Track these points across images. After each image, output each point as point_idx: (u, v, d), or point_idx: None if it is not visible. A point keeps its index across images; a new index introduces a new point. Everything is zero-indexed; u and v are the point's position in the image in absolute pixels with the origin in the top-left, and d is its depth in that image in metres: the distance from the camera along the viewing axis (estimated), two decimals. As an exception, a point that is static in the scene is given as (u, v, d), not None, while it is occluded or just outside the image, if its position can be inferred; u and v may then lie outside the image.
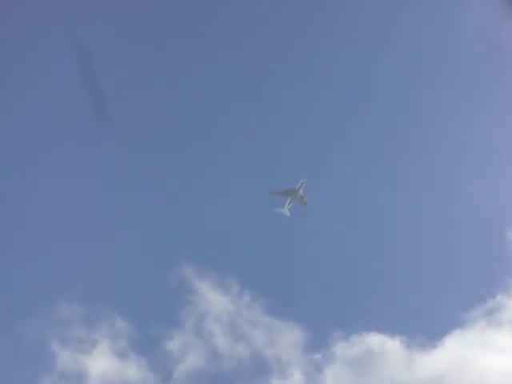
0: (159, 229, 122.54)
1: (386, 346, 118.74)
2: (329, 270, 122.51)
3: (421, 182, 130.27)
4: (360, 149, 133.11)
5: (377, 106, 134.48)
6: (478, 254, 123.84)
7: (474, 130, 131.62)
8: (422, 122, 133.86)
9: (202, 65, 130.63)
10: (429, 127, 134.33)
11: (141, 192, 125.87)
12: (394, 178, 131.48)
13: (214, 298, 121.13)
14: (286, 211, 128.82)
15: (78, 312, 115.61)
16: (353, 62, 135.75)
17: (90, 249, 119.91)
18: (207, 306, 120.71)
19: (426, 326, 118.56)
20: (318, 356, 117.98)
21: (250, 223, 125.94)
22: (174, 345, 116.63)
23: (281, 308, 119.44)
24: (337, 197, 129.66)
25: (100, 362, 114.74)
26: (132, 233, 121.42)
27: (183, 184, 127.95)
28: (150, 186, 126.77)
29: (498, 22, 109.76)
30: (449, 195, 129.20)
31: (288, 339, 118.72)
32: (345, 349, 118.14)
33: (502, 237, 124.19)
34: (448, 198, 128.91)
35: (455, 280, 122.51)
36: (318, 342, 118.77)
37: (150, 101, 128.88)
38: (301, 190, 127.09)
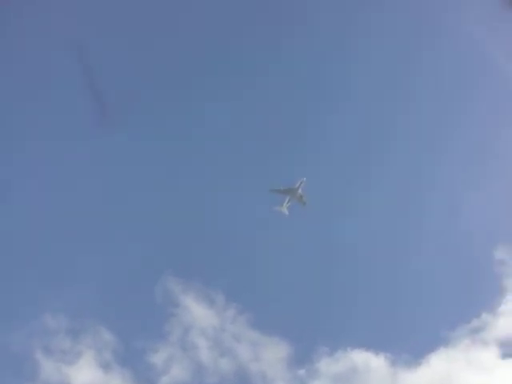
0: (145, 241, 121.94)
1: (371, 362, 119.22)
2: (314, 286, 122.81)
3: (407, 197, 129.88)
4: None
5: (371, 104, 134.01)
6: (464, 272, 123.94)
7: (462, 142, 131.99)
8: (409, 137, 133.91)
9: (202, 64, 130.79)
10: (417, 139, 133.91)
11: (131, 200, 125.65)
12: (380, 194, 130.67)
13: (198, 312, 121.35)
14: (284, 210, 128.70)
15: (63, 323, 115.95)
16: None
17: (75, 259, 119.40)
18: (192, 320, 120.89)
19: (410, 344, 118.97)
20: (302, 372, 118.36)
21: (236, 237, 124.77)
22: (158, 357, 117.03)
23: (266, 323, 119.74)
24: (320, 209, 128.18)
25: (84, 373, 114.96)
26: (118, 244, 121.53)
27: (180, 187, 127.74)
28: (143, 192, 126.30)
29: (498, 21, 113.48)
30: (435, 213, 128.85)
31: (272, 354, 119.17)
32: (329, 365, 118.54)
33: (489, 256, 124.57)
34: (434, 217, 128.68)
35: (441, 298, 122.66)
36: (302, 358, 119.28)
37: (150, 101, 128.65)
38: (300, 190, 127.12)
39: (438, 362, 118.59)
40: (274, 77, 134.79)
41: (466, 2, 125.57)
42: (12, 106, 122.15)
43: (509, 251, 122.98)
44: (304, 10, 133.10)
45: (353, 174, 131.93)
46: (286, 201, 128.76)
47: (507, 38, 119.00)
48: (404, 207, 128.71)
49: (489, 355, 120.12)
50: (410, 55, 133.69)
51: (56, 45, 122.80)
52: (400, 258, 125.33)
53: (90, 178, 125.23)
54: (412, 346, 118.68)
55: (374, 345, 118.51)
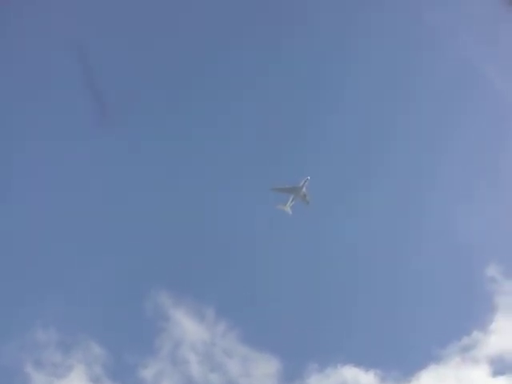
0: (136, 254, 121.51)
1: (361, 379, 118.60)
2: (305, 301, 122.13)
3: (398, 212, 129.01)
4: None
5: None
6: (456, 290, 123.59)
7: (456, 158, 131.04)
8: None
9: (202, 64, 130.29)
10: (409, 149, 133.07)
11: (129, 202, 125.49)
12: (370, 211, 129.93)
13: (189, 326, 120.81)
14: (288, 209, 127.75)
15: (54, 336, 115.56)
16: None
17: (66, 271, 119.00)
18: (182, 334, 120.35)
19: (401, 361, 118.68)
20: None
21: (229, 248, 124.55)
22: (148, 372, 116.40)
23: (256, 338, 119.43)
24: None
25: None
26: (109, 256, 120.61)
27: (179, 187, 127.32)
28: (142, 193, 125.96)
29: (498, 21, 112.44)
30: (426, 230, 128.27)
31: (263, 370, 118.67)
32: (319, 381, 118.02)
33: (481, 274, 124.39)
34: (426, 233, 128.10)
35: (432, 315, 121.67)
36: (292, 374, 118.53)
37: (151, 101, 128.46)
38: (304, 188, 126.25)
39: (429, 380, 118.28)
40: (275, 76, 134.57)
41: (466, 2, 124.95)
42: (12, 106, 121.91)
43: (500, 269, 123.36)
44: (304, 9, 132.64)
45: (350, 178, 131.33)
46: (290, 200, 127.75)
47: (507, 38, 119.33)
48: (392, 224, 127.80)
49: (479, 373, 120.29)
50: (410, 56, 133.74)
51: (56, 45, 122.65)
52: (391, 275, 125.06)
53: (89, 178, 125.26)
54: (402, 363, 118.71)
55: (364, 361, 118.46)
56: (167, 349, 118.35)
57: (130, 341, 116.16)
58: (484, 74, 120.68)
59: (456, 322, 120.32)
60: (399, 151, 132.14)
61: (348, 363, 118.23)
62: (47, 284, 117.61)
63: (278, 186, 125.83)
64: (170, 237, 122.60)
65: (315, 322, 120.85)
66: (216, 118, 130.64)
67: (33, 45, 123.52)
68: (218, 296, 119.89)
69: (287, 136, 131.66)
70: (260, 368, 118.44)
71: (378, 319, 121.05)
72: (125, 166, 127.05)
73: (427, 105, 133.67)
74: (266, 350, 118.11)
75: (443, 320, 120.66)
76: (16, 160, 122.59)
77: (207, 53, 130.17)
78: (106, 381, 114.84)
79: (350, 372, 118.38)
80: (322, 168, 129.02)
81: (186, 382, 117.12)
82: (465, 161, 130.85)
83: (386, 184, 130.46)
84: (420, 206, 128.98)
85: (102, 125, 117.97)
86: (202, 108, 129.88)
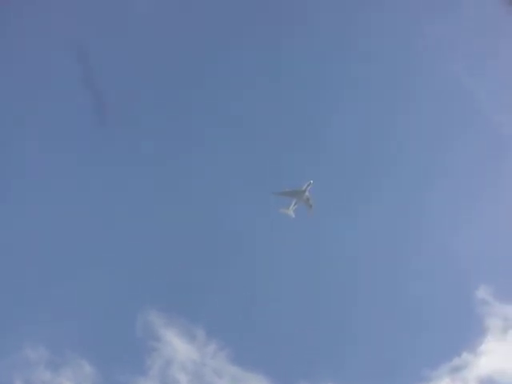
0: (127, 273, 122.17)
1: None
2: (295, 321, 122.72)
3: (387, 237, 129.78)
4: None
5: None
6: (446, 312, 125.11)
7: (448, 181, 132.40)
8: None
9: (202, 64, 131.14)
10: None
11: (127, 205, 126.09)
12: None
13: (179, 346, 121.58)
14: (290, 212, 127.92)
15: (44, 355, 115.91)
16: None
17: (56, 290, 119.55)
18: (173, 354, 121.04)
19: (392, 381, 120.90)
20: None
21: (215, 273, 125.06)
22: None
23: (246, 358, 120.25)
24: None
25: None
26: (100, 275, 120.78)
27: (178, 189, 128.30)
28: (141, 194, 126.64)
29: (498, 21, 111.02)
30: (418, 252, 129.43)
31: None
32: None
33: (471, 296, 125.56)
34: (417, 255, 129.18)
35: (422, 337, 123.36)
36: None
37: (150, 101, 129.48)
38: (307, 192, 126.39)
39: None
40: (278, 78, 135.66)
41: (466, 2, 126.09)
42: (12, 106, 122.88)
43: (491, 291, 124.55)
44: (306, 11, 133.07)
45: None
46: (293, 203, 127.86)
47: (507, 39, 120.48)
48: (384, 247, 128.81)
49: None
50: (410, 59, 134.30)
51: (56, 45, 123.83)
52: (383, 297, 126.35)
53: (88, 179, 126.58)
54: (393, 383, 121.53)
55: (354, 381, 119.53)
56: (157, 368, 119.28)
57: (121, 360, 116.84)
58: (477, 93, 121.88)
59: (446, 344, 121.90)
60: (395, 169, 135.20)
61: (338, 382, 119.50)
62: (37, 302, 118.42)
63: (280, 189, 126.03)
64: (163, 256, 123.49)
65: (306, 341, 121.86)
66: (216, 117, 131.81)
67: (33, 45, 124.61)
68: (208, 316, 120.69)
69: (291, 138, 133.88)
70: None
71: (370, 340, 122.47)
72: (123, 166, 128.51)
73: (425, 121, 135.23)
74: (256, 369, 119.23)
75: (434, 341, 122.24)
76: (15, 159, 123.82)
77: (207, 53, 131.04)
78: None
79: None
80: (325, 173, 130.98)
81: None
82: (457, 186, 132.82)
83: (383, 207, 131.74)
84: (413, 229, 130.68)
85: (102, 124, 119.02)
86: (202, 108, 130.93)
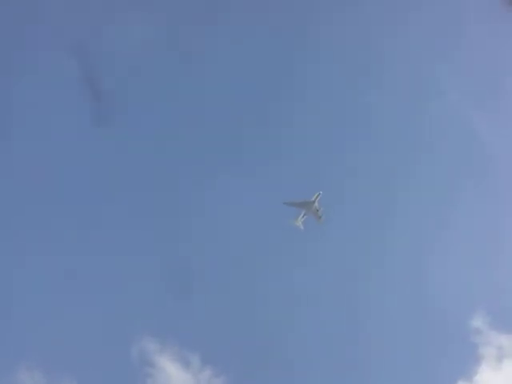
0: (122, 298, 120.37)
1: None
2: (294, 346, 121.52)
3: (385, 264, 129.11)
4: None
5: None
6: (441, 341, 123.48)
7: (440, 209, 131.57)
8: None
9: (203, 63, 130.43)
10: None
11: (126, 208, 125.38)
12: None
13: (174, 373, 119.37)
14: (299, 224, 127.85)
15: (38, 379, 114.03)
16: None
17: (52, 313, 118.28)
18: (167, 381, 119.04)
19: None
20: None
21: (211, 300, 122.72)
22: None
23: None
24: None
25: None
26: (95, 303, 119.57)
27: (178, 192, 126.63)
28: (139, 196, 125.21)
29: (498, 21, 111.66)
30: (411, 282, 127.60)
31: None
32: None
33: (465, 325, 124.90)
34: (410, 285, 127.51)
35: (417, 366, 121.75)
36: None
37: (150, 100, 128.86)
38: (316, 203, 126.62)
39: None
40: (283, 80, 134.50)
41: (466, 2, 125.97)
42: (11, 106, 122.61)
43: (486, 320, 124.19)
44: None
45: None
46: (302, 215, 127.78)
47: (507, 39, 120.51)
48: (380, 274, 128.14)
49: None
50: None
51: (56, 45, 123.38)
52: (378, 327, 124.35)
53: (87, 178, 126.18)
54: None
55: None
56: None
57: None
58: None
59: (442, 372, 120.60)
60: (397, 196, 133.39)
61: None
62: (33, 327, 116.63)
63: (290, 200, 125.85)
64: (157, 281, 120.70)
65: (302, 368, 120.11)
66: (216, 117, 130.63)
67: (33, 45, 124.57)
68: (203, 342, 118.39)
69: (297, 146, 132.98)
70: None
71: (366, 368, 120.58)
72: (123, 167, 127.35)
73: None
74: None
75: (429, 370, 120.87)
76: (14, 159, 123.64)
77: (208, 52, 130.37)
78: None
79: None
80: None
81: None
82: (452, 214, 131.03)
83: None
84: (407, 258, 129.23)
85: (101, 124, 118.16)
86: (202, 108, 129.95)
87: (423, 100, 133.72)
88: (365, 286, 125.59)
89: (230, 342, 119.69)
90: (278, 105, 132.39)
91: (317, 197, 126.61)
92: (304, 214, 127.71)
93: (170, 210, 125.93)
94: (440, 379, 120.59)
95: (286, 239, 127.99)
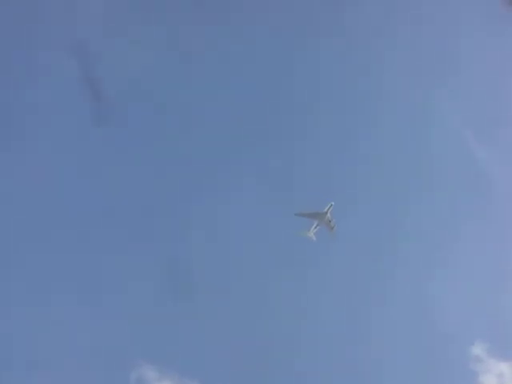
0: (120, 324, 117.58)
1: None
2: (297, 372, 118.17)
3: (385, 291, 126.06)
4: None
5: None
6: (441, 369, 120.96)
7: (438, 237, 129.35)
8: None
9: (203, 63, 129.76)
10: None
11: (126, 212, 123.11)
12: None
13: None
14: (311, 235, 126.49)
15: None
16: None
17: (49, 341, 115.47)
18: None
19: None
20: None
21: (209, 325, 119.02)
22: None
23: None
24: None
25: None
26: (93, 328, 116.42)
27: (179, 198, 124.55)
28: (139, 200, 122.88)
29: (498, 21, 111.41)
30: (410, 309, 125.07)
31: None
32: None
33: (465, 352, 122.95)
34: (410, 313, 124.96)
35: None
36: None
37: (150, 100, 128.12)
38: (328, 214, 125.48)
39: None
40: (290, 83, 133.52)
41: (466, 2, 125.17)
42: (11, 105, 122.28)
43: (485, 347, 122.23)
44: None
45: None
46: (314, 226, 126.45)
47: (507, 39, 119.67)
48: (383, 297, 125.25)
49: None
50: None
51: (56, 45, 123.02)
52: (378, 351, 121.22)
53: (87, 179, 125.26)
54: None
55: None
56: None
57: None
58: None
59: None
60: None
61: None
62: (31, 354, 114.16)
63: (301, 211, 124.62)
64: (157, 306, 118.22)
65: None
66: (217, 116, 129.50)
67: (33, 44, 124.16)
68: (203, 369, 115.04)
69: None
70: None
71: None
72: (123, 167, 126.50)
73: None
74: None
75: None
76: (14, 159, 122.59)
77: (208, 53, 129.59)
78: None
79: None
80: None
81: None
82: (453, 240, 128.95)
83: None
84: (403, 286, 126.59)
85: (101, 124, 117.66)
86: (203, 108, 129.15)
87: (423, 126, 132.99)
88: (367, 307, 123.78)
89: (231, 368, 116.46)
90: (286, 110, 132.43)
91: (329, 208, 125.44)
92: (316, 225, 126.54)
93: (171, 213, 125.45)
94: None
95: (297, 250, 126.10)
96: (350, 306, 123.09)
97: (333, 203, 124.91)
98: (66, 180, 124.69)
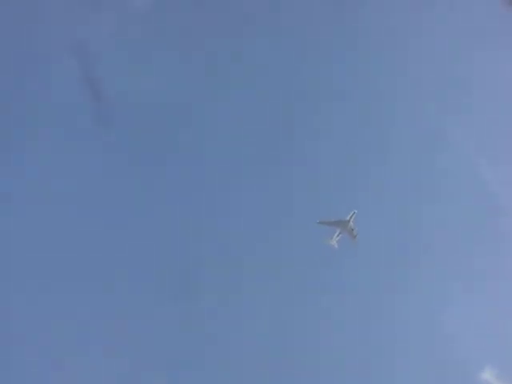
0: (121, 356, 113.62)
1: None
2: None
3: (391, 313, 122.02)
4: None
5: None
6: None
7: (446, 256, 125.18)
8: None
9: (203, 63, 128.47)
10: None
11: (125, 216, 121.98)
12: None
13: None
14: (334, 243, 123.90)
15: None
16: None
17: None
18: None
19: None
20: None
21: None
22: None
23: None
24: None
25: None
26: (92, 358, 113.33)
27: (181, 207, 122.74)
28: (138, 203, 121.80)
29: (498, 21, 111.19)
30: (417, 334, 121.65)
31: None
32: None
33: (475, 377, 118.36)
34: (416, 337, 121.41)
35: None
36: None
37: (150, 100, 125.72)
38: (351, 222, 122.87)
39: None
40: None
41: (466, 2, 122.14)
42: (10, 105, 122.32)
43: (495, 373, 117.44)
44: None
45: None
46: (336, 234, 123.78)
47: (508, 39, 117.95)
48: (382, 325, 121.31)
49: None
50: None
51: (56, 45, 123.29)
52: (387, 376, 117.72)
53: (87, 178, 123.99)
54: None
55: None
56: None
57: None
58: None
59: None
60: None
61: None
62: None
63: (323, 219, 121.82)
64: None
65: None
66: (218, 117, 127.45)
67: (32, 44, 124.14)
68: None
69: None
70: None
71: None
72: (123, 167, 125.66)
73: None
74: None
75: None
76: (13, 159, 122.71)
77: (208, 52, 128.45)
78: None
79: None
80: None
81: None
82: (461, 265, 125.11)
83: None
84: (410, 309, 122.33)
85: (101, 124, 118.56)
86: (203, 108, 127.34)
87: (432, 152, 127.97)
88: (375, 325, 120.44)
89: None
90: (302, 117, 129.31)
91: (352, 215, 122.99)
92: (339, 233, 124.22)
93: (173, 216, 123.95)
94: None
95: (320, 259, 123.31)
96: (355, 321, 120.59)
97: (356, 211, 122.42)
98: (66, 180, 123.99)
